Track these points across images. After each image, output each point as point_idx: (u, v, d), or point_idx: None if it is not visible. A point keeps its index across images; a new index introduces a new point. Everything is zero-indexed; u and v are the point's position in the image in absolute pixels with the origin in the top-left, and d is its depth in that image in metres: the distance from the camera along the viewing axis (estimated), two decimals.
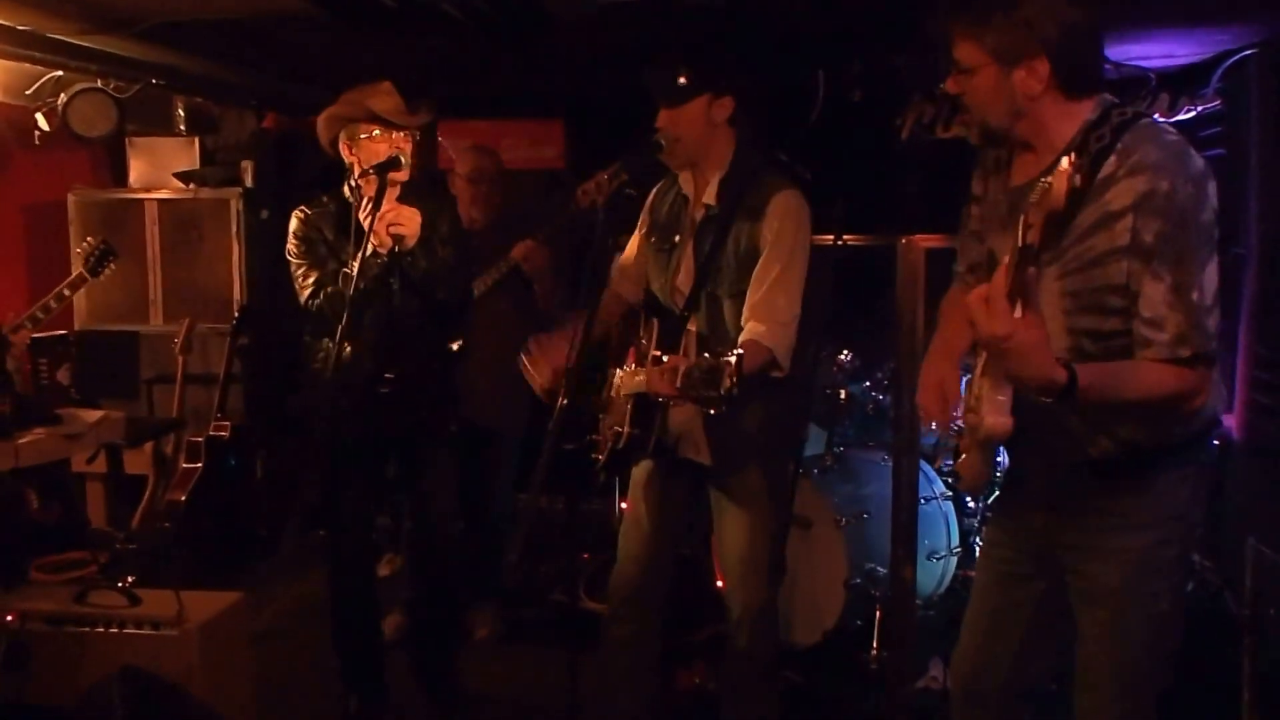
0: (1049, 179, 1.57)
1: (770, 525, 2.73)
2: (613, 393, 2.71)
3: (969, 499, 3.92)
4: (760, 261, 2.57)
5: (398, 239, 2.88)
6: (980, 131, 1.95)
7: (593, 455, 2.73)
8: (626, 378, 2.64)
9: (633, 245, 2.90)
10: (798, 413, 2.93)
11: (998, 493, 2.29)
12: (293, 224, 3.03)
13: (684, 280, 2.68)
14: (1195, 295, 1.74)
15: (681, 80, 2.53)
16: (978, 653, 2.17)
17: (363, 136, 2.92)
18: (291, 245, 3.02)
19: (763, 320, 2.54)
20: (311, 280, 2.97)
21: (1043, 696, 2.24)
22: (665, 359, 2.51)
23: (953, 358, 2.13)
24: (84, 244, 3.89)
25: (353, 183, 2.98)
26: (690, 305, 2.64)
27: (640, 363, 2.67)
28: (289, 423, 4.78)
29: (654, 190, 2.84)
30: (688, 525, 2.99)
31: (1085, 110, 1.86)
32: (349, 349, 2.94)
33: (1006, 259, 1.69)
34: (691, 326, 2.62)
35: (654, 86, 2.58)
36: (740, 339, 2.53)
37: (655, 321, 2.68)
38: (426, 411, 3.13)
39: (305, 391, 3.08)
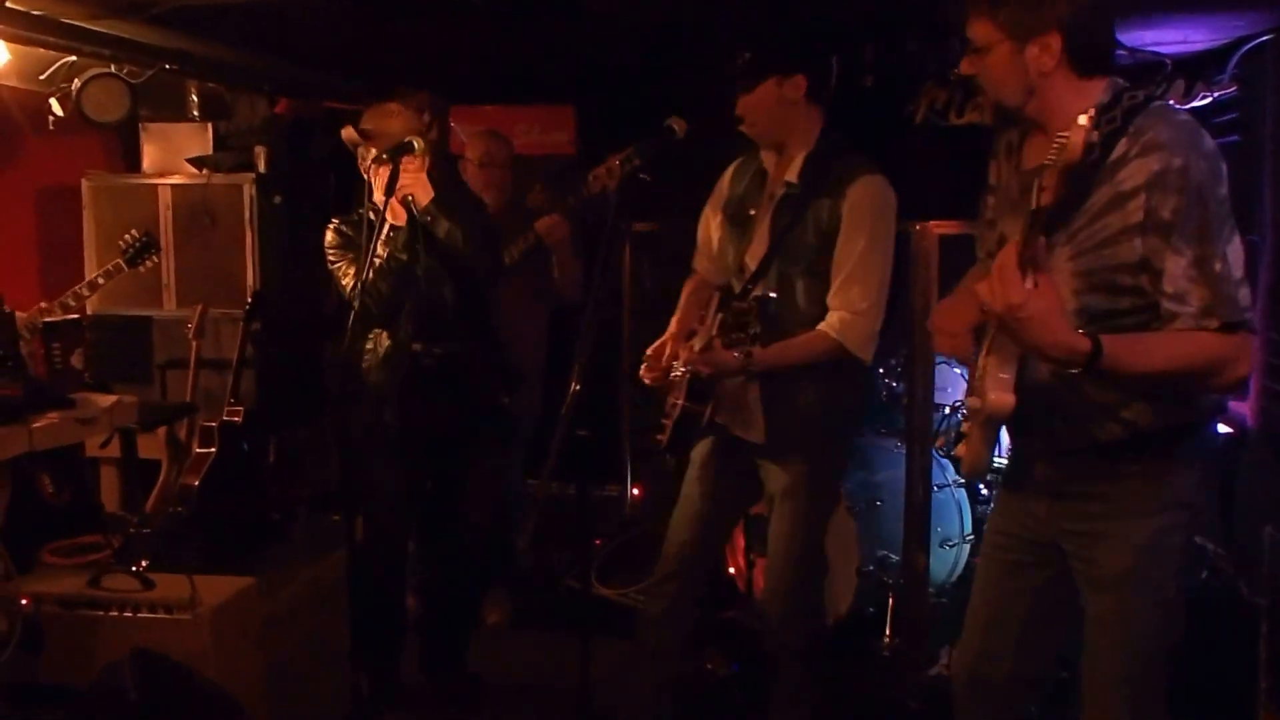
0: (1064, 134, 1.59)
1: (815, 515, 2.74)
2: (675, 373, 2.72)
3: (982, 487, 3.91)
4: (837, 247, 2.55)
5: (409, 203, 2.91)
6: (994, 111, 1.98)
7: (655, 437, 2.74)
8: (685, 353, 2.65)
9: (707, 224, 2.88)
10: (858, 395, 2.86)
11: (1002, 480, 2.28)
12: (327, 236, 3.12)
13: (755, 253, 2.66)
14: (1218, 267, 1.74)
15: (746, 61, 2.54)
16: (981, 642, 2.17)
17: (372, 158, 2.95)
18: (329, 254, 3.10)
19: (836, 309, 2.55)
20: (351, 273, 3.03)
21: (1049, 684, 2.23)
22: (714, 339, 2.51)
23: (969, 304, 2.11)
24: (128, 234, 3.90)
25: (371, 200, 3.02)
26: (756, 278, 2.63)
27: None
28: (303, 408, 4.80)
29: (732, 166, 2.83)
30: (744, 508, 2.98)
31: (1097, 90, 1.85)
32: (386, 338, 3.02)
33: (1020, 234, 1.70)
34: (756, 293, 2.61)
35: (731, 75, 2.58)
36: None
37: (718, 297, 2.68)
38: (474, 394, 3.16)
39: (346, 384, 3.10)
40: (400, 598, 3.29)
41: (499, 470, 3.47)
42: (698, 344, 2.60)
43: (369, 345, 3.09)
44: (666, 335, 2.80)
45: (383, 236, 2.92)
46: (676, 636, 2.87)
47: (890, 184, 2.61)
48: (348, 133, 3.01)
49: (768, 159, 2.70)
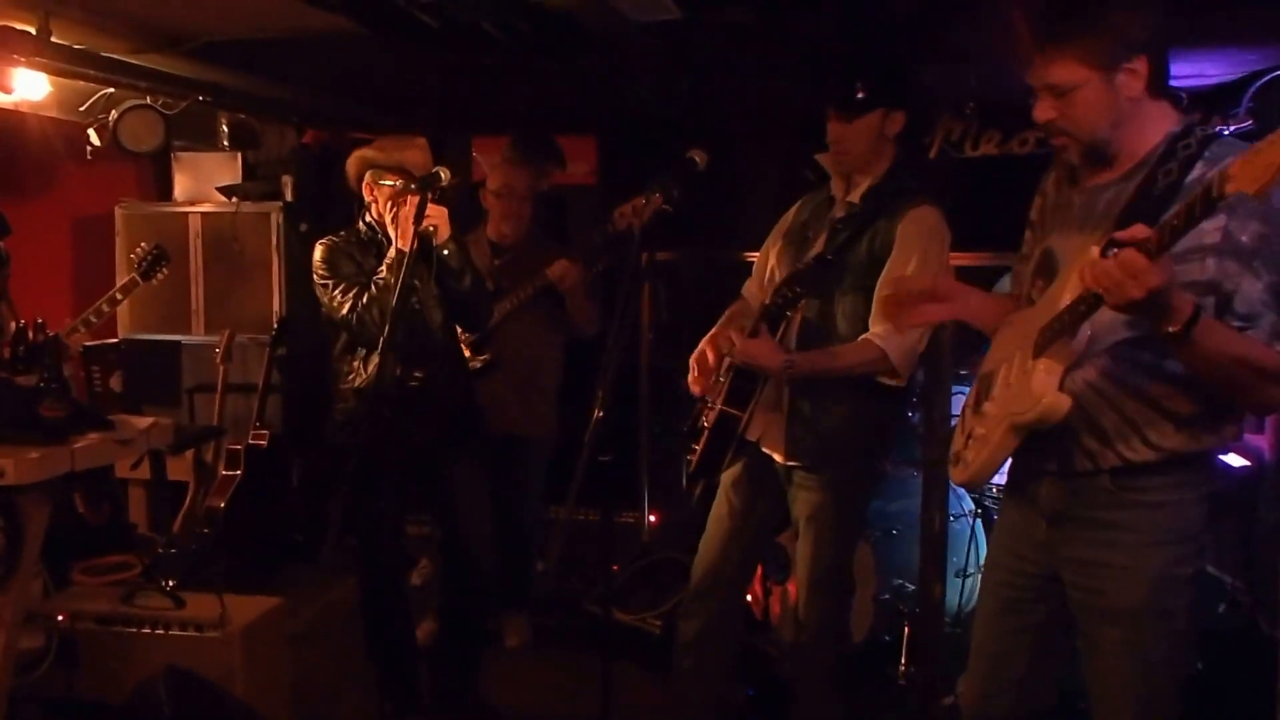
0: None
1: (841, 538, 2.76)
2: (718, 381, 2.74)
3: (996, 515, 3.93)
4: (886, 265, 2.58)
5: (429, 233, 2.96)
6: (1083, 150, 1.94)
7: (686, 458, 2.77)
8: (738, 338, 2.67)
9: (767, 251, 2.91)
10: (887, 419, 2.84)
11: (1002, 501, 2.29)
12: (317, 254, 3.14)
13: None
14: None
15: (860, 94, 2.58)
16: (985, 680, 2.19)
17: (384, 182, 3.03)
18: (320, 271, 3.12)
19: (881, 321, 2.56)
20: (349, 294, 3.04)
21: (1052, 714, 2.25)
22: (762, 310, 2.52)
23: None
24: (138, 248, 3.99)
25: (368, 219, 3.13)
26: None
27: None
28: (324, 433, 4.86)
29: (804, 198, 2.87)
30: (774, 531, 3.00)
31: (1168, 113, 1.90)
32: (374, 361, 3.04)
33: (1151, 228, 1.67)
34: (796, 315, 2.63)
35: (831, 98, 2.63)
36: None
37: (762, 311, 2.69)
38: (450, 419, 3.20)
39: (338, 408, 3.19)
40: (405, 619, 3.29)
41: (478, 491, 3.42)
42: (746, 331, 2.61)
43: (351, 370, 3.13)
44: (703, 343, 2.79)
45: (388, 262, 2.99)
46: (714, 660, 2.87)
47: (946, 217, 2.64)
48: (368, 170, 3.07)
49: (837, 188, 2.74)
